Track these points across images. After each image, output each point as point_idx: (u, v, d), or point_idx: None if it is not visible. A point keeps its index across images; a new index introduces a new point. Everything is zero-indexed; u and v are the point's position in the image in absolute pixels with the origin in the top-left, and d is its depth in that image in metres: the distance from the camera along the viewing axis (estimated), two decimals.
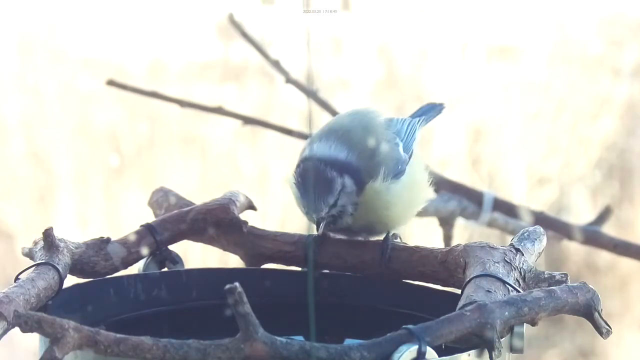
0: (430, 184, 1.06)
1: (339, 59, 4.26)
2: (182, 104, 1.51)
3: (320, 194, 0.97)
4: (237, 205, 1.05)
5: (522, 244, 0.95)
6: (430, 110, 1.13)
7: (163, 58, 4.20)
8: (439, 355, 0.79)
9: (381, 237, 1.01)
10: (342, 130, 1.00)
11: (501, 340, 0.82)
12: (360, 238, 1.02)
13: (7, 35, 4.18)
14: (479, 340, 0.82)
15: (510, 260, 0.92)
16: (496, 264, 0.91)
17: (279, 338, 0.77)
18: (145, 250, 1.01)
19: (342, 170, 0.97)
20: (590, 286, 0.87)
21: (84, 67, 4.13)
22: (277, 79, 1.77)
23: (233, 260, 1.08)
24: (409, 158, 1.01)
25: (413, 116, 1.10)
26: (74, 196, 3.92)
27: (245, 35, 1.50)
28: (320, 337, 0.80)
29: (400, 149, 1.01)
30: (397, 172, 0.99)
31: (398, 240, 1.01)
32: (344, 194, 0.97)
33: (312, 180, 0.98)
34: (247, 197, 1.08)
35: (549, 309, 0.84)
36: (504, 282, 0.89)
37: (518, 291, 0.88)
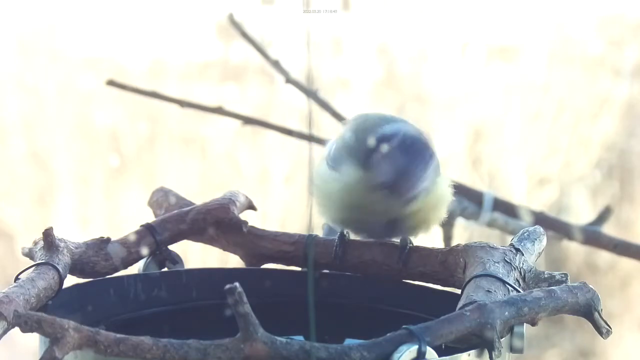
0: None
1: (339, 59, 4.25)
2: (182, 104, 1.51)
3: (423, 157, 0.94)
4: (237, 205, 1.05)
5: (522, 244, 0.95)
6: None
7: (163, 58, 4.20)
8: (439, 355, 0.79)
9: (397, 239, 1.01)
10: (393, 119, 0.98)
11: (501, 340, 0.82)
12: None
13: (7, 35, 4.18)
14: (479, 340, 0.82)
15: (510, 260, 0.92)
16: (496, 264, 0.91)
17: (279, 338, 0.77)
18: (145, 250, 1.01)
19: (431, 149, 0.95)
20: (590, 286, 0.87)
21: (84, 67, 4.13)
22: (277, 79, 1.77)
23: (233, 260, 1.08)
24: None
25: None
26: (74, 196, 3.92)
27: (245, 35, 1.50)
28: (320, 337, 0.80)
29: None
30: (436, 173, 0.97)
31: (411, 243, 1.01)
32: (433, 168, 0.94)
33: (416, 145, 0.94)
34: (247, 197, 1.08)
35: (549, 309, 0.84)
36: (504, 282, 0.89)
37: (518, 291, 0.88)
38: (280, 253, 1.03)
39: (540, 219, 1.50)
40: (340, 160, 0.98)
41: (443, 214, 1.01)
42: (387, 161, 0.93)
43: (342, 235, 1.01)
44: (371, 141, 0.95)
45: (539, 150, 4.07)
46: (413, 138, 0.94)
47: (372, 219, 0.98)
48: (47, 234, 0.93)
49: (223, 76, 4.22)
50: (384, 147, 0.94)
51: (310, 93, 1.51)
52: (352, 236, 1.02)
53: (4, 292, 0.85)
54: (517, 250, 0.94)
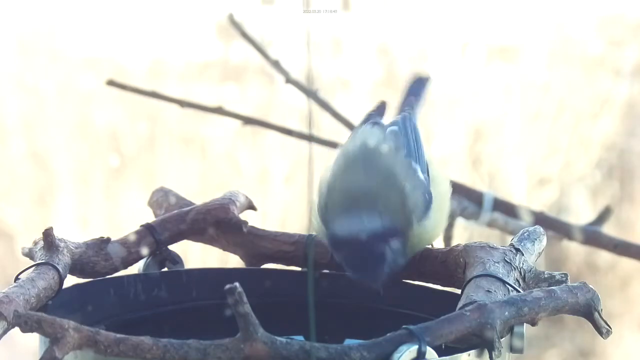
0: (449, 181, 1.02)
1: (339, 59, 4.26)
2: (182, 104, 1.51)
3: (374, 268, 0.92)
4: (237, 205, 1.05)
5: (522, 244, 0.95)
6: (419, 87, 1.08)
7: (163, 58, 4.20)
8: (439, 355, 0.79)
9: None
10: (363, 195, 0.93)
11: (501, 340, 0.82)
12: None
13: (7, 35, 4.18)
14: (479, 340, 0.82)
15: (510, 260, 0.92)
16: (496, 264, 0.91)
17: (279, 338, 0.77)
18: (145, 250, 1.01)
19: (385, 238, 0.92)
20: (590, 286, 0.87)
21: (84, 67, 4.13)
22: (277, 79, 1.77)
23: (233, 260, 1.08)
24: (427, 174, 0.97)
25: (405, 103, 1.05)
26: (74, 196, 3.93)
27: (245, 35, 1.50)
28: (320, 337, 0.80)
29: (419, 173, 0.96)
30: (426, 205, 0.95)
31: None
32: (394, 255, 0.92)
33: (360, 261, 0.92)
34: (247, 197, 1.08)
35: (549, 309, 0.84)
36: (504, 282, 0.89)
37: (518, 291, 0.88)
38: (280, 253, 1.03)
39: (540, 219, 1.50)
40: (318, 206, 0.97)
41: (438, 235, 0.99)
42: (344, 262, 0.93)
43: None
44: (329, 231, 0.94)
45: (539, 150, 4.08)
46: (361, 254, 0.91)
47: None
48: (47, 234, 0.93)
49: (223, 76, 4.23)
50: (341, 256, 0.93)
51: (310, 93, 1.51)
52: None
53: (4, 292, 0.85)
54: (517, 250, 0.94)
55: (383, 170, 0.96)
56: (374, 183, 0.94)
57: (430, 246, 1.00)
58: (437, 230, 0.99)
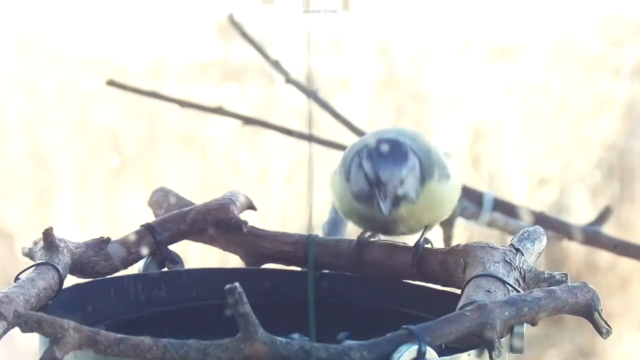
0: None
1: (339, 59, 4.26)
2: (182, 104, 1.51)
3: (396, 164, 0.95)
4: (237, 205, 1.05)
5: (522, 244, 0.95)
6: None
7: (163, 58, 4.20)
8: (439, 355, 0.79)
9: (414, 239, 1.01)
10: (397, 131, 0.99)
11: (501, 340, 0.82)
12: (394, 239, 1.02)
13: (7, 35, 4.18)
14: (479, 340, 0.82)
15: (510, 260, 0.92)
16: (496, 264, 0.91)
17: (279, 338, 0.77)
18: (145, 250, 1.01)
19: (418, 154, 0.96)
20: (590, 286, 0.87)
21: (84, 67, 4.13)
22: (277, 79, 1.77)
23: (233, 260, 1.08)
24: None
25: None
26: (74, 196, 3.93)
27: (245, 35, 1.50)
28: (320, 337, 0.80)
29: (446, 160, 1.01)
30: (445, 175, 0.99)
31: (429, 245, 1.01)
32: (413, 175, 0.96)
33: (389, 152, 0.95)
34: (247, 197, 1.08)
35: (549, 309, 0.84)
36: (504, 282, 0.89)
37: (518, 291, 0.88)
38: (280, 253, 1.03)
39: (540, 219, 1.50)
40: (339, 169, 1.00)
41: (444, 213, 1.01)
42: (359, 173, 0.96)
43: (361, 238, 1.02)
44: (349, 154, 0.98)
45: (539, 150, 4.08)
46: (389, 147, 0.95)
47: (371, 223, 1.00)
48: (47, 234, 0.93)
49: (223, 76, 4.23)
50: (356, 159, 0.96)
51: (310, 93, 1.51)
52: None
53: (4, 292, 0.85)
54: (517, 250, 0.94)
55: (412, 133, 1.00)
56: (404, 136, 0.98)
57: (429, 245, 1.00)
58: (445, 207, 1.00)
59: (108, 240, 0.99)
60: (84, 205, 3.92)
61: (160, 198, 1.09)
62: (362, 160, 0.96)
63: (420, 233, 1.01)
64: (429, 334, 0.79)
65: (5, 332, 0.83)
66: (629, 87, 4.16)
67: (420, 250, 0.99)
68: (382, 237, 1.03)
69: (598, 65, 4.22)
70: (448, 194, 1.00)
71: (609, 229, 1.52)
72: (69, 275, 0.95)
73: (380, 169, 0.95)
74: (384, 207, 0.95)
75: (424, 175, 0.97)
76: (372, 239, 1.02)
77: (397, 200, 0.96)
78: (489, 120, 4.09)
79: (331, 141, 1.43)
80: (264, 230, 1.05)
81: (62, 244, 0.94)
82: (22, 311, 0.80)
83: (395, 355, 0.77)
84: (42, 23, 4.22)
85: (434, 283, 0.99)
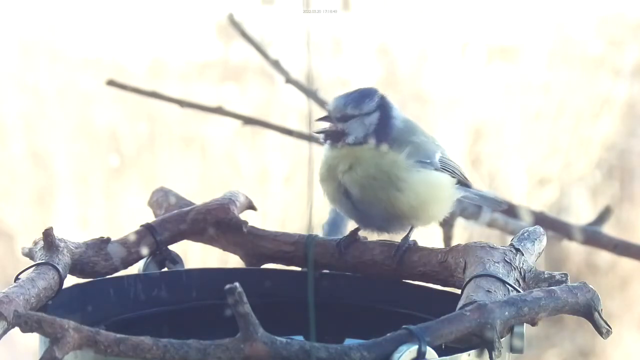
0: (452, 201, 1.05)
1: (339, 59, 4.26)
2: (182, 104, 1.51)
3: (347, 100, 0.98)
4: (237, 205, 1.05)
5: (522, 244, 0.95)
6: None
7: (163, 58, 4.20)
8: (439, 355, 0.79)
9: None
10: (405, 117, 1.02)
11: (501, 340, 0.82)
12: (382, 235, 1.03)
13: (7, 35, 4.18)
14: (479, 340, 0.82)
15: (510, 260, 0.92)
16: (496, 264, 0.91)
17: (279, 338, 0.77)
18: (145, 250, 1.01)
19: (381, 109, 0.99)
20: (590, 286, 0.87)
21: (84, 67, 4.13)
22: (277, 79, 1.77)
23: (233, 260, 1.08)
24: (439, 168, 1.01)
25: None
26: (74, 196, 3.93)
27: (245, 35, 1.50)
28: (320, 337, 0.80)
29: (436, 156, 1.01)
30: (422, 162, 1.00)
31: (413, 242, 1.01)
32: (362, 121, 0.98)
33: (353, 92, 0.99)
34: (247, 197, 1.08)
35: (549, 309, 0.84)
36: (504, 282, 0.89)
37: (518, 291, 0.88)
38: (280, 253, 1.03)
39: (540, 219, 1.50)
40: None
41: (416, 203, 1.00)
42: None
43: (353, 232, 1.02)
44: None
45: (539, 150, 4.07)
46: (359, 90, 1.00)
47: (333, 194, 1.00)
48: (47, 234, 0.93)
49: (223, 76, 4.23)
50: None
51: (310, 93, 1.51)
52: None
53: (4, 292, 0.85)
54: (517, 250, 0.94)
55: (412, 121, 1.03)
56: (401, 116, 1.02)
57: (413, 243, 1.00)
58: (412, 195, 0.99)
59: (108, 240, 0.99)
60: (84, 205, 3.92)
61: (160, 198, 1.09)
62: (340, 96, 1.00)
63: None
64: (429, 334, 0.79)
65: (5, 332, 0.83)
66: (629, 87, 4.16)
67: (403, 246, 0.99)
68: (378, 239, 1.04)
69: (598, 65, 4.21)
70: (416, 179, 1.00)
71: (609, 229, 1.52)
72: (69, 275, 0.95)
73: (332, 102, 0.99)
74: (323, 134, 0.99)
75: (382, 138, 0.98)
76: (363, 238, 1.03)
77: (335, 135, 0.98)
78: (489, 120, 4.09)
79: None
80: (264, 230, 1.05)
81: (62, 244, 0.94)
82: (22, 311, 0.80)
83: (395, 355, 0.77)
84: (42, 23, 4.22)
85: (434, 283, 0.99)
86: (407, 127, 1.01)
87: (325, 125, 0.99)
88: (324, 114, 1.03)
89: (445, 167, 1.02)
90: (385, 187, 0.99)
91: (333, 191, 1.00)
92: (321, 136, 1.00)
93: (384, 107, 1.00)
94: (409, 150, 0.99)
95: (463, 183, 1.06)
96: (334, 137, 0.99)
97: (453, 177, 1.03)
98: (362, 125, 0.99)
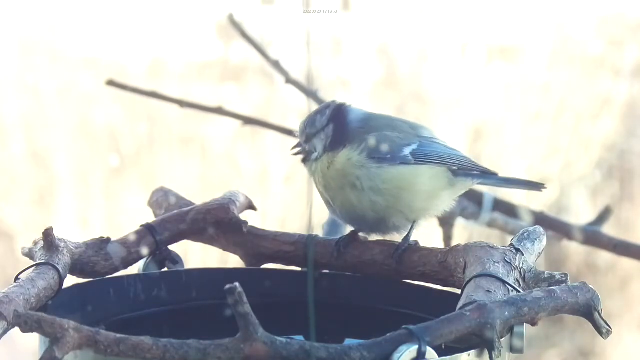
0: (443, 201, 1.05)
1: (339, 59, 4.25)
2: (182, 104, 1.51)
3: (306, 123, 1.06)
4: (237, 205, 1.05)
5: (522, 244, 0.95)
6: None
7: (163, 58, 4.20)
8: (439, 355, 0.79)
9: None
10: (384, 116, 1.07)
11: (501, 340, 0.82)
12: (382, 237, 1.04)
13: (7, 35, 4.18)
14: (479, 340, 0.82)
15: (510, 260, 0.92)
16: (496, 264, 0.91)
17: (279, 338, 0.77)
18: (145, 250, 1.01)
19: (334, 120, 1.04)
20: (590, 286, 0.87)
21: (84, 67, 4.13)
22: (277, 79, 1.77)
23: (233, 260, 1.08)
24: (411, 161, 1.02)
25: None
26: (74, 196, 3.92)
27: (245, 35, 1.50)
28: (320, 337, 0.80)
29: (406, 149, 1.02)
30: (381, 158, 1.01)
31: (413, 243, 1.01)
32: (321, 137, 1.04)
33: (310, 115, 1.06)
34: (247, 197, 1.08)
35: (549, 309, 0.84)
36: (504, 282, 0.89)
37: (518, 291, 0.88)
38: (280, 253, 1.03)
39: (540, 219, 1.50)
40: None
41: (394, 198, 1.01)
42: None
43: (353, 232, 1.02)
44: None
45: (539, 150, 4.07)
46: (318, 108, 1.07)
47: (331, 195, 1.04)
48: (47, 234, 0.93)
49: (223, 76, 4.22)
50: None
51: (310, 93, 1.51)
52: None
53: (4, 292, 0.85)
54: (517, 250, 0.94)
55: (403, 122, 1.07)
56: (396, 119, 1.07)
57: (414, 243, 1.01)
58: (382, 191, 1.01)
59: (108, 240, 0.99)
60: (84, 205, 3.92)
61: (160, 198, 1.09)
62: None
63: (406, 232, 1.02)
64: (429, 334, 0.79)
65: (5, 332, 0.83)
66: (629, 87, 4.16)
67: (403, 245, 0.99)
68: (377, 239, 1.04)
69: (598, 65, 4.21)
70: (376, 176, 1.01)
71: (609, 229, 1.52)
72: (69, 275, 0.95)
73: (300, 125, 1.07)
74: (292, 151, 1.05)
75: (337, 145, 1.02)
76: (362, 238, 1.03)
77: (306, 156, 1.05)
78: (489, 120, 4.09)
79: None
80: (264, 230, 1.05)
81: (62, 244, 0.94)
82: (22, 311, 0.80)
83: (395, 355, 0.77)
84: (42, 23, 4.22)
85: (434, 283, 0.99)
86: (368, 126, 1.03)
87: (298, 149, 1.06)
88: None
89: (422, 158, 1.02)
90: (342, 187, 1.02)
91: (325, 202, 1.05)
92: (294, 152, 1.07)
93: (337, 117, 1.05)
94: (363, 147, 1.01)
95: (476, 170, 1.05)
96: (305, 158, 1.06)
97: (440, 166, 1.03)
98: (320, 140, 1.04)
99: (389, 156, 1.01)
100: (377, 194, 1.01)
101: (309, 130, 1.05)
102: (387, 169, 1.01)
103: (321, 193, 1.04)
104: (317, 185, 1.04)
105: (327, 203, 1.04)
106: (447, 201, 1.04)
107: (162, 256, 1.04)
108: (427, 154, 1.02)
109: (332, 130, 1.04)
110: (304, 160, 1.06)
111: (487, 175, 1.06)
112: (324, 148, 1.03)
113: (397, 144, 1.02)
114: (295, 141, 1.07)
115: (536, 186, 1.10)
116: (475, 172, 1.05)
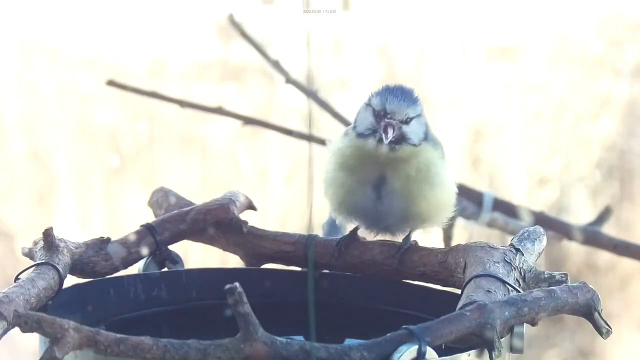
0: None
1: (339, 59, 4.25)
2: (182, 104, 1.51)
3: (405, 100, 0.97)
4: (237, 205, 1.05)
5: (522, 244, 0.95)
6: None
7: (163, 58, 4.20)
8: (439, 355, 0.79)
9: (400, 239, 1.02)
10: None
11: (501, 340, 0.82)
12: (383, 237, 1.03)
13: (7, 35, 4.18)
14: (479, 340, 0.82)
15: (510, 260, 0.92)
16: (496, 264, 0.91)
17: (279, 338, 0.77)
18: (145, 250, 1.01)
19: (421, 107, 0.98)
20: (590, 286, 0.87)
21: (84, 67, 4.13)
22: (277, 79, 1.77)
23: (233, 260, 1.08)
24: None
25: None
26: (74, 196, 3.92)
27: (245, 35, 1.50)
28: (320, 337, 0.80)
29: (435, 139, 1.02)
30: (444, 159, 1.00)
31: (414, 242, 1.01)
32: (418, 121, 0.97)
33: (399, 90, 0.98)
34: (247, 197, 1.08)
35: (549, 309, 0.84)
36: (504, 282, 0.89)
37: (518, 291, 0.88)
38: (280, 253, 1.03)
39: (540, 219, 1.50)
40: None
41: (434, 203, 1.00)
42: (367, 110, 0.98)
43: (353, 232, 1.02)
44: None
45: (539, 150, 4.07)
46: (400, 88, 0.98)
47: (360, 175, 0.98)
48: (47, 234, 0.93)
49: (223, 76, 4.22)
50: (365, 103, 0.99)
51: (310, 93, 1.51)
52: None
53: (4, 292, 0.85)
54: (517, 250, 0.94)
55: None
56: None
57: (414, 243, 1.00)
58: (438, 195, 0.99)
59: (108, 240, 0.99)
60: (84, 205, 3.92)
61: (160, 198, 1.09)
62: (372, 98, 0.98)
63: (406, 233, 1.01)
64: (429, 334, 0.79)
65: (5, 332, 0.83)
66: (629, 87, 4.16)
67: (405, 244, 0.99)
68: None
69: (598, 65, 4.21)
70: (444, 179, 1.00)
71: (609, 229, 1.53)
72: (69, 275, 0.95)
73: (387, 101, 0.96)
74: (386, 138, 0.95)
75: (426, 136, 0.98)
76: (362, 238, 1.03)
77: (399, 139, 0.96)
78: (489, 120, 4.09)
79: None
80: (264, 230, 1.05)
81: (62, 244, 0.94)
82: (22, 311, 0.80)
83: (395, 355, 0.77)
84: (42, 23, 4.22)
85: (434, 283, 0.99)
86: (427, 131, 1.00)
87: (394, 130, 0.96)
88: (324, 114, 1.03)
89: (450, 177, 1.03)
90: (422, 181, 0.98)
91: (357, 181, 0.98)
92: (387, 139, 0.96)
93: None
94: (440, 150, 1.00)
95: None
96: (398, 140, 0.97)
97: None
98: (420, 125, 0.98)
99: (446, 166, 1.00)
100: (441, 195, 0.99)
101: (412, 113, 0.97)
102: (448, 174, 1.00)
103: (379, 177, 0.97)
104: (373, 161, 0.97)
105: (370, 186, 0.97)
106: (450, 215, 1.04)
107: (162, 256, 1.04)
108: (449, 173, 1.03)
109: (425, 121, 0.98)
110: (396, 143, 0.96)
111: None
112: (425, 136, 0.97)
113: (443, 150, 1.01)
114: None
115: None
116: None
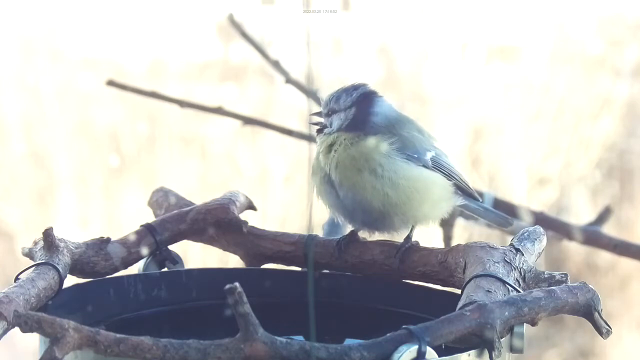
0: (446, 207, 1.05)
1: (339, 59, 4.25)
2: (182, 104, 1.51)
3: (333, 99, 1.06)
4: (237, 205, 1.05)
5: (522, 244, 0.95)
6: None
7: (163, 58, 4.20)
8: (439, 355, 0.79)
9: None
10: (409, 117, 1.07)
11: (501, 340, 0.82)
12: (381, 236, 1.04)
13: (7, 35, 4.18)
14: (479, 340, 0.82)
15: (510, 260, 0.92)
16: (496, 264, 0.91)
17: (279, 338, 0.77)
18: (145, 250, 1.01)
19: (358, 105, 1.04)
20: (590, 286, 0.87)
21: (84, 67, 4.13)
22: (277, 79, 1.77)
23: (233, 260, 1.08)
24: (430, 167, 1.03)
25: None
26: (74, 196, 3.92)
27: (245, 35, 1.50)
28: (320, 337, 0.80)
29: (428, 155, 1.03)
30: (408, 156, 1.01)
31: (414, 242, 1.01)
32: (340, 116, 1.05)
33: (341, 89, 1.07)
34: (247, 197, 1.08)
35: (549, 309, 0.84)
36: (504, 282, 0.89)
37: (518, 291, 0.88)
38: (280, 253, 1.03)
39: (540, 219, 1.50)
40: None
41: (408, 198, 1.01)
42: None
43: (353, 232, 1.02)
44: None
45: (539, 150, 4.07)
46: (347, 86, 1.07)
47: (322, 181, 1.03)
48: (47, 234, 0.93)
49: (223, 76, 4.22)
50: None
51: (310, 93, 1.51)
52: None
53: (4, 292, 0.85)
54: (517, 250, 0.94)
55: (404, 115, 1.08)
56: (393, 113, 1.07)
57: (415, 243, 1.01)
58: (398, 188, 1.01)
59: (108, 240, 0.99)
60: (84, 205, 3.92)
61: (160, 198, 1.09)
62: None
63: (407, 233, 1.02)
64: (429, 334, 0.79)
65: (5, 332, 0.83)
66: (629, 87, 4.16)
67: (406, 244, 0.99)
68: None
69: (598, 65, 4.21)
70: (400, 170, 1.01)
71: (609, 229, 1.52)
72: (69, 275, 0.95)
73: (325, 96, 1.07)
74: (312, 119, 1.06)
75: (356, 129, 1.02)
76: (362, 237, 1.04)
77: (323, 127, 1.06)
78: (489, 120, 4.09)
79: None
80: (264, 230, 1.05)
81: (62, 244, 0.94)
82: (22, 311, 0.80)
83: (395, 355, 0.77)
84: (42, 23, 4.22)
85: (434, 283, 0.99)
86: (393, 123, 1.03)
87: (319, 119, 1.07)
88: None
89: (439, 167, 1.03)
90: (361, 170, 1.01)
91: (319, 181, 1.04)
92: (315, 128, 1.07)
93: (363, 103, 1.04)
94: (394, 141, 1.01)
95: (466, 192, 1.06)
96: (320, 129, 1.06)
97: (449, 180, 1.04)
98: (339, 119, 1.05)
99: (415, 156, 1.02)
100: (393, 187, 1.00)
101: (333, 106, 1.06)
102: (411, 166, 1.01)
103: (325, 171, 1.02)
104: (322, 162, 1.03)
105: (327, 183, 1.02)
106: (442, 213, 1.05)
107: (162, 256, 1.04)
108: (442, 164, 1.03)
109: (353, 114, 1.04)
110: (318, 132, 1.07)
111: (471, 199, 1.07)
112: (338, 127, 1.04)
113: (422, 147, 1.03)
114: (317, 118, 1.08)
115: (505, 221, 1.11)
116: (467, 192, 1.06)
